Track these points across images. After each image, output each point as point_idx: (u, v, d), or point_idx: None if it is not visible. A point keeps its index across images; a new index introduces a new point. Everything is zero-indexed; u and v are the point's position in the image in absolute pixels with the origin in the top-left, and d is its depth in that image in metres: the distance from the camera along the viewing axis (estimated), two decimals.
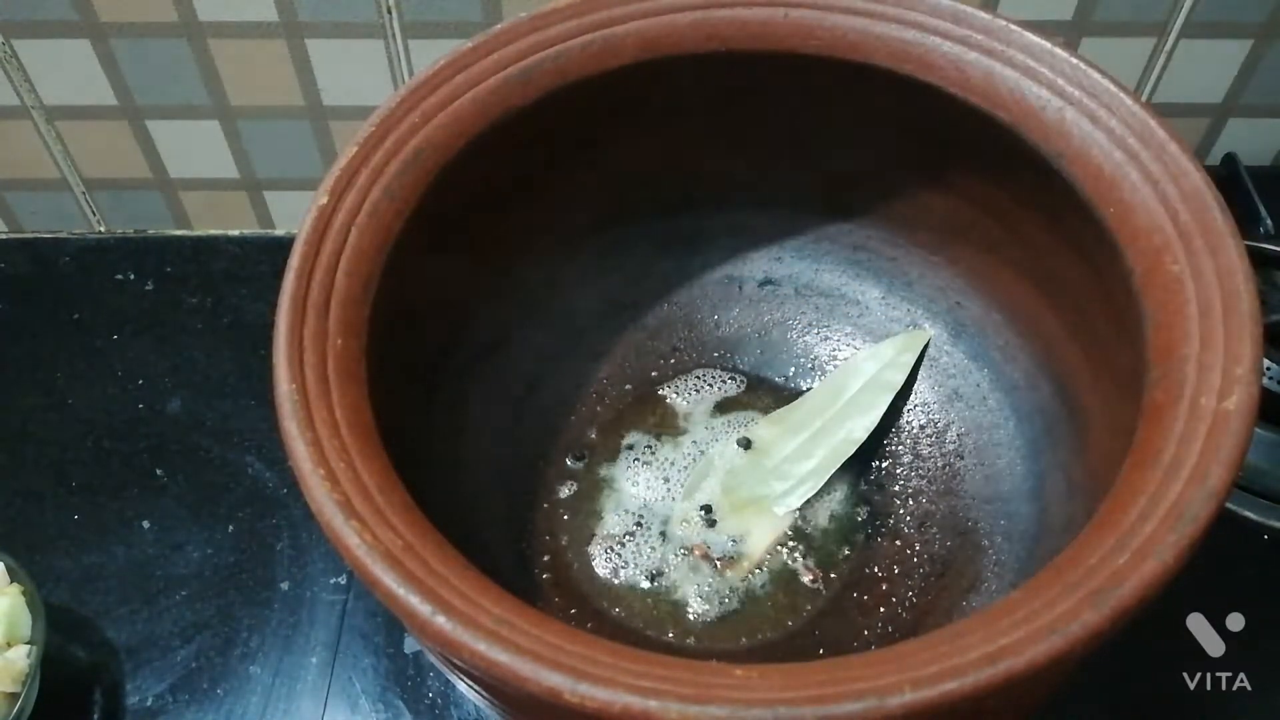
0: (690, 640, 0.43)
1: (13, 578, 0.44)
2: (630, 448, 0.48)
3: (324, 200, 0.36)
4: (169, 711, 0.47)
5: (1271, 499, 0.50)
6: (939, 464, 0.46)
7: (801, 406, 0.48)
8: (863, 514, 0.46)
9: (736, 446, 0.48)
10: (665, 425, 0.49)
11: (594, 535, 0.46)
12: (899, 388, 0.48)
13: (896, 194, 0.46)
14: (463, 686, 0.33)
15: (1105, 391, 0.38)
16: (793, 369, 0.50)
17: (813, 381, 0.50)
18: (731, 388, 0.50)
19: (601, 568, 0.45)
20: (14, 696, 0.42)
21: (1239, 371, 0.30)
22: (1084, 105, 0.36)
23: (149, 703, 0.47)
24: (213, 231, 0.66)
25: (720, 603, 0.44)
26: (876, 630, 0.43)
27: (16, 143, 0.61)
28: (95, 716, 0.47)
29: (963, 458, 0.46)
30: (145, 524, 0.52)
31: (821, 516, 0.46)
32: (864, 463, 0.47)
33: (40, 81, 0.58)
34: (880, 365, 0.48)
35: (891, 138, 0.43)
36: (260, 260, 0.63)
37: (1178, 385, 0.31)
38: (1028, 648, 0.26)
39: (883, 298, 0.49)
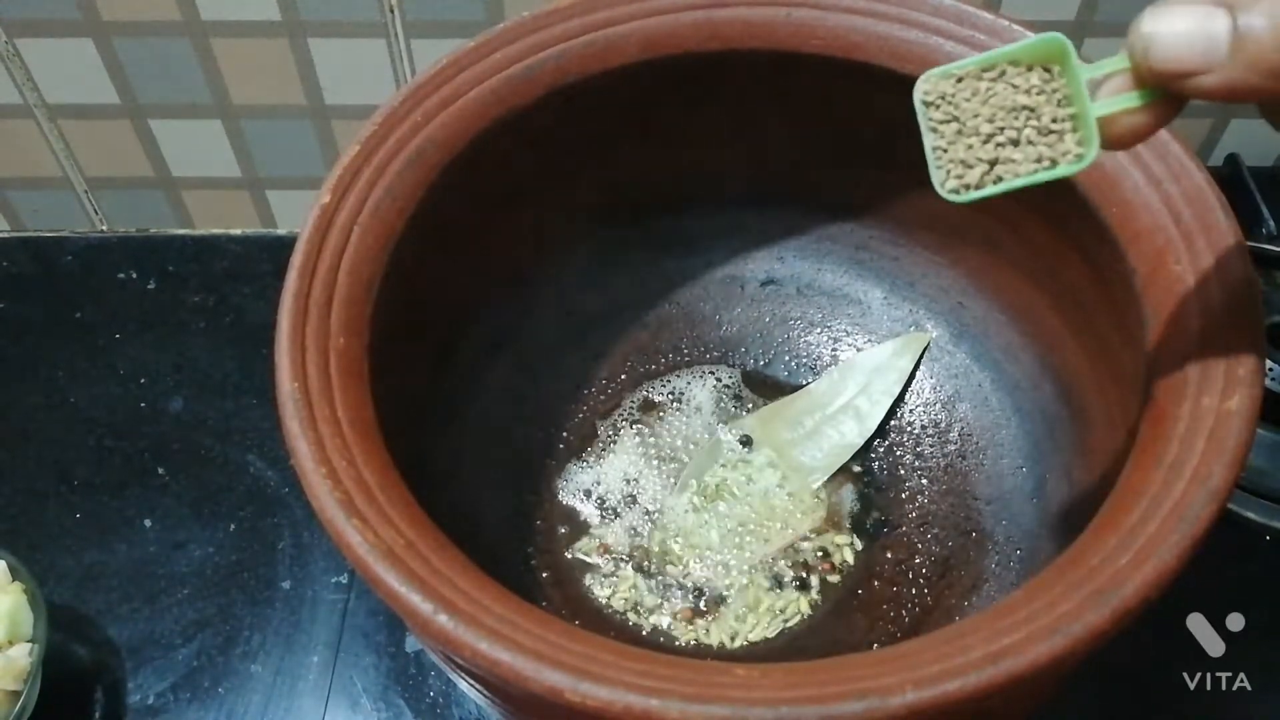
0: (691, 638, 0.43)
1: (15, 576, 0.44)
2: (631, 447, 0.48)
3: (326, 199, 0.36)
4: (170, 710, 0.47)
5: (1273, 500, 0.50)
6: (941, 464, 0.46)
7: (795, 403, 0.48)
8: (865, 514, 0.46)
9: (739, 445, 0.48)
10: (667, 425, 0.49)
11: (594, 534, 0.46)
12: (896, 394, 0.48)
13: (899, 194, 0.46)
14: (464, 685, 0.33)
15: (1107, 392, 0.38)
16: (794, 368, 0.50)
17: (813, 381, 0.50)
18: (733, 387, 0.50)
19: (602, 566, 0.45)
20: (16, 694, 0.42)
21: (1241, 372, 0.30)
22: None
23: (150, 701, 0.47)
24: (215, 230, 0.66)
25: (722, 601, 0.44)
26: (878, 630, 0.43)
27: (19, 141, 0.61)
28: (97, 715, 0.47)
29: (965, 458, 0.46)
30: (147, 522, 0.52)
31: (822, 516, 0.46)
32: (864, 463, 0.47)
33: (43, 80, 0.58)
34: (878, 369, 0.48)
35: (894, 138, 0.43)
36: (262, 259, 0.63)
37: (1180, 386, 0.31)
38: (1030, 648, 0.26)
39: (885, 298, 0.49)
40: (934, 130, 0.27)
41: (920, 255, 0.47)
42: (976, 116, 0.26)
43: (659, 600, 0.44)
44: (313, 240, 0.35)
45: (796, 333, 0.50)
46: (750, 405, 0.49)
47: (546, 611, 0.29)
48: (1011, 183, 0.26)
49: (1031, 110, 0.26)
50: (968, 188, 0.27)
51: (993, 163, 0.26)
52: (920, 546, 0.45)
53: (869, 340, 0.49)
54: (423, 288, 0.39)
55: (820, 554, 0.45)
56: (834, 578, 0.44)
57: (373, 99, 0.58)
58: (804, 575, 0.44)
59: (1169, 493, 0.29)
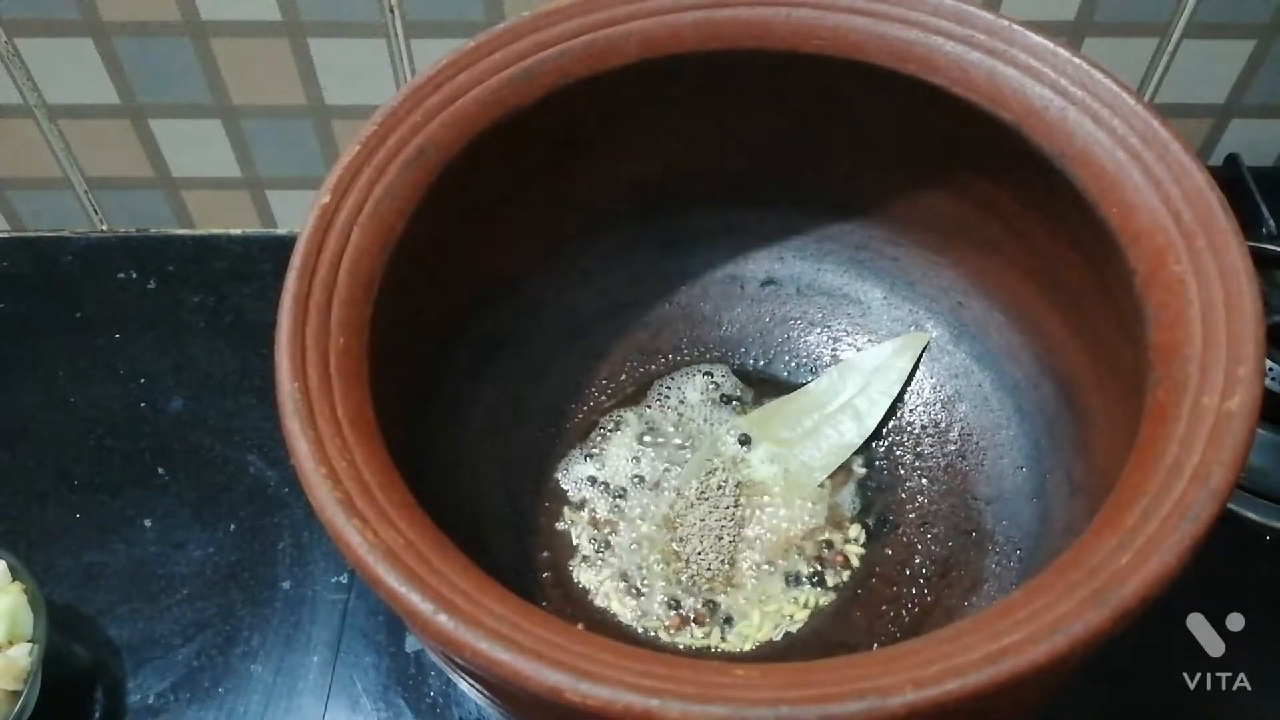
0: (692, 639, 0.43)
1: (15, 576, 0.44)
2: (631, 446, 0.48)
3: (326, 199, 0.36)
4: (170, 710, 0.47)
5: (1273, 500, 0.50)
6: (941, 464, 0.46)
7: (794, 402, 0.48)
8: (865, 514, 0.46)
9: (737, 444, 0.48)
10: (666, 424, 0.49)
11: (594, 533, 0.46)
12: (896, 394, 0.48)
13: (899, 194, 0.46)
14: (464, 685, 0.33)
15: (1107, 392, 0.38)
16: (794, 368, 0.50)
17: (813, 380, 0.50)
18: (733, 387, 0.50)
19: (602, 566, 0.45)
20: (16, 695, 0.42)
21: (1241, 372, 0.30)
22: (1087, 105, 0.36)
23: (150, 701, 0.47)
24: (215, 230, 0.66)
25: (723, 601, 0.44)
26: (878, 630, 0.43)
27: (19, 141, 0.61)
28: (97, 715, 0.47)
29: (965, 458, 0.46)
30: (147, 522, 0.52)
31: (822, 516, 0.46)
32: (864, 463, 0.47)
33: (43, 80, 0.58)
34: (878, 369, 0.48)
35: (894, 137, 0.43)
36: (262, 259, 0.63)
37: (1180, 386, 0.31)
38: (1030, 647, 0.26)
39: (885, 298, 0.49)
40: None
41: (920, 255, 0.47)
42: None
43: (660, 601, 0.44)
44: (313, 240, 0.35)
45: (796, 333, 0.50)
46: (750, 405, 0.49)
47: (546, 611, 0.29)
48: None
49: None
50: None
51: None
52: (920, 546, 0.45)
53: (869, 340, 0.49)
54: (423, 287, 0.39)
55: (829, 548, 0.45)
56: (845, 575, 0.44)
57: (373, 99, 0.58)
58: (816, 572, 0.44)
59: (1169, 493, 0.29)
